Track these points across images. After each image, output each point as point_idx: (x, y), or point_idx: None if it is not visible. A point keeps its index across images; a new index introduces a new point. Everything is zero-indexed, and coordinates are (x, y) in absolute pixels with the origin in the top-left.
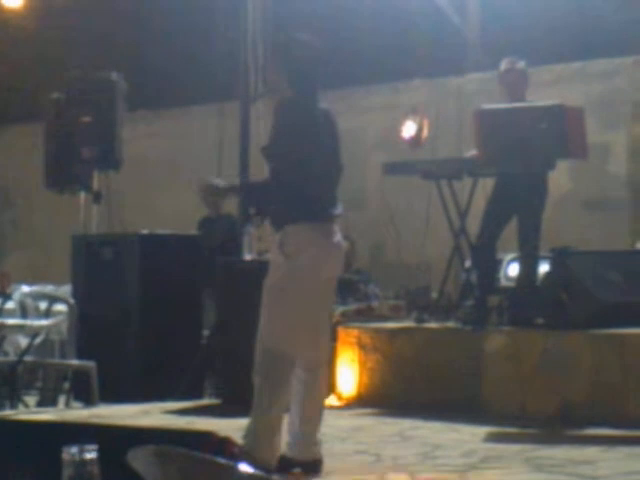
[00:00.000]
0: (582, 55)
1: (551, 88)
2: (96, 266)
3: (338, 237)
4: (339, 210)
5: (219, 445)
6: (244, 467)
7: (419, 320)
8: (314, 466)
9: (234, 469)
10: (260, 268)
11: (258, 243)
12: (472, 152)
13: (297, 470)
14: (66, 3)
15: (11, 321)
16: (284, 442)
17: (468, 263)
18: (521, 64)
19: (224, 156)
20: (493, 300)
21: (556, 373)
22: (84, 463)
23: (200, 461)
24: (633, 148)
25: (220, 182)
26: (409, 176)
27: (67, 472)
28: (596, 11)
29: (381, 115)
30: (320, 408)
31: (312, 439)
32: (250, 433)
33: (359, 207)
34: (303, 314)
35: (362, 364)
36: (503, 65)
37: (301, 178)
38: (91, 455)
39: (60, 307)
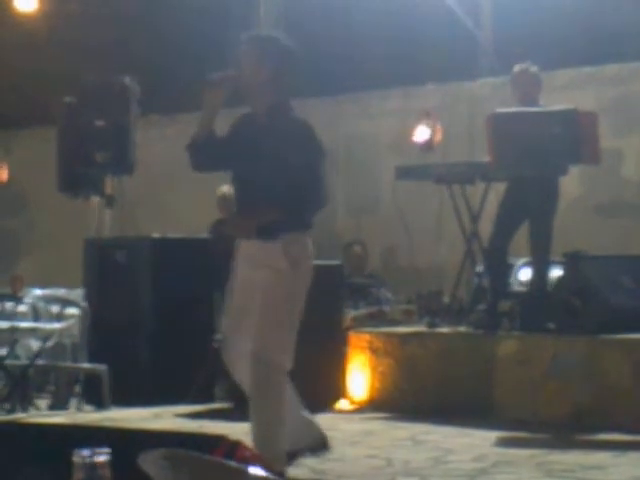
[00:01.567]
0: (595, 60)
1: (564, 93)
2: (108, 270)
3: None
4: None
5: (230, 449)
6: (256, 471)
7: (431, 325)
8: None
9: (245, 473)
10: None
11: None
12: (486, 159)
13: None
14: (80, 7)
15: (23, 324)
16: None
17: (480, 267)
18: (534, 68)
19: None
20: (505, 305)
21: (567, 378)
22: (95, 466)
23: (211, 465)
24: None
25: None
26: (422, 180)
27: (78, 475)
28: (609, 16)
29: (393, 120)
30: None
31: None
32: (272, 446)
33: (371, 211)
34: (295, 325)
35: (373, 368)
36: (516, 69)
37: (304, 186)
38: (102, 458)
39: (72, 310)
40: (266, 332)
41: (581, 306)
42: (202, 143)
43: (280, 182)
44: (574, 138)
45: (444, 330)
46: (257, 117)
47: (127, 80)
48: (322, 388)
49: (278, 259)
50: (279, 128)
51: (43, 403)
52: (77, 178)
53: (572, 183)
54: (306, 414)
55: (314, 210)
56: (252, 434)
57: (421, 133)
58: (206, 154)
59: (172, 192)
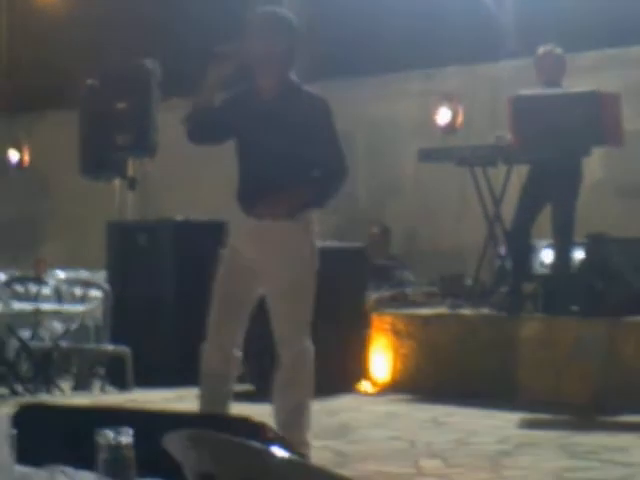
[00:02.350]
0: (619, 41)
1: (588, 75)
2: (131, 252)
3: None
4: None
5: (254, 430)
6: (280, 451)
7: (453, 307)
8: None
9: (270, 453)
10: None
11: None
12: (500, 133)
13: None
14: None
15: (47, 307)
16: None
17: (502, 250)
18: (558, 50)
19: None
20: (527, 287)
21: (590, 360)
22: (119, 447)
23: (235, 445)
24: None
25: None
26: (444, 163)
27: (102, 456)
28: None
29: (415, 102)
30: None
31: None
32: (300, 429)
33: (394, 194)
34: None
35: (396, 350)
36: (540, 50)
37: (331, 160)
38: (126, 439)
39: (95, 293)
40: (295, 318)
41: (603, 288)
42: (201, 114)
43: (306, 156)
44: (596, 120)
45: (466, 312)
46: (264, 92)
47: (148, 63)
48: (345, 370)
49: (301, 243)
50: (297, 103)
51: (66, 385)
52: (99, 161)
53: (595, 165)
54: None
55: (341, 183)
56: (277, 418)
57: (443, 115)
58: (205, 126)
59: (194, 174)
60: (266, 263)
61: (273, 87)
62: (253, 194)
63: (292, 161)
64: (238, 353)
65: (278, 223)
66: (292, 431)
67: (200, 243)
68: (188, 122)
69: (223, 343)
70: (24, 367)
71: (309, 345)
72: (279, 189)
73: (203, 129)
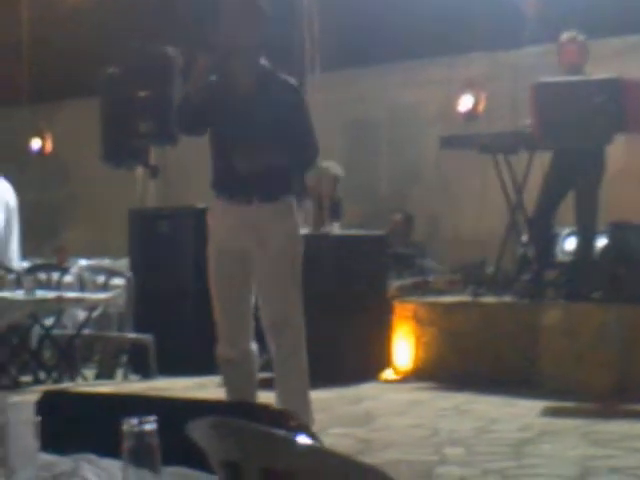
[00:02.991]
0: None
1: (611, 61)
2: (153, 240)
3: None
4: None
5: (276, 418)
6: (303, 439)
7: (475, 294)
8: None
9: (293, 441)
10: (319, 241)
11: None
12: (527, 122)
13: None
14: None
15: (69, 295)
16: None
17: (525, 237)
18: (582, 37)
19: None
20: (550, 274)
21: (613, 347)
22: (144, 435)
23: (259, 433)
24: None
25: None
26: (466, 150)
27: (128, 444)
28: None
29: (438, 89)
30: None
31: None
32: (308, 407)
33: (416, 181)
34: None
35: (418, 338)
36: (564, 37)
37: (305, 146)
38: (151, 427)
39: (118, 281)
40: (291, 299)
41: (626, 275)
42: (189, 104)
43: (284, 143)
44: (618, 107)
45: (488, 300)
46: (240, 81)
47: (170, 50)
48: (367, 358)
49: (288, 224)
50: (272, 89)
51: (90, 373)
52: (121, 149)
53: (617, 152)
54: None
55: (313, 161)
56: (281, 402)
57: (465, 102)
58: (192, 116)
59: None
60: (256, 247)
61: (248, 74)
62: (235, 179)
63: (270, 145)
64: (253, 346)
65: (263, 206)
66: (304, 410)
67: None
68: (178, 113)
69: (235, 341)
70: (47, 355)
71: (302, 325)
72: (259, 173)
73: (191, 118)
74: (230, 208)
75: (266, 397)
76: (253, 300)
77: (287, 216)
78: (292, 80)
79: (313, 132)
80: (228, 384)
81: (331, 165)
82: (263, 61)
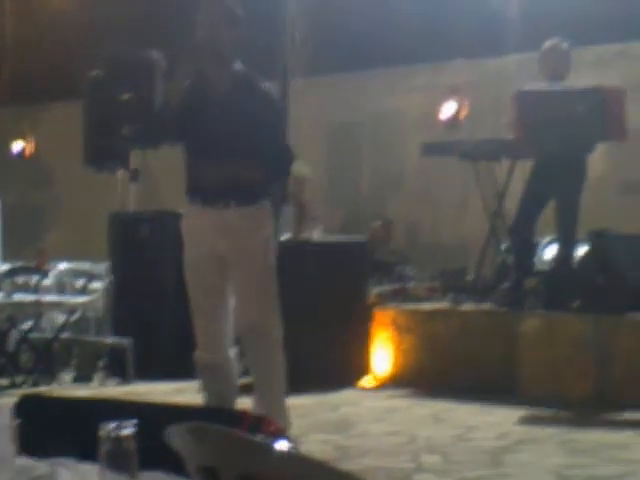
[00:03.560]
0: (624, 37)
1: (592, 69)
2: (132, 244)
3: None
4: None
5: (255, 424)
6: (281, 445)
7: (455, 302)
8: None
9: (270, 447)
10: (300, 248)
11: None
12: (504, 120)
13: None
14: None
15: (48, 298)
16: None
17: (505, 245)
18: (565, 45)
19: None
20: (529, 283)
21: (591, 356)
22: (121, 439)
23: (238, 439)
24: None
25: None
26: (447, 157)
27: (104, 448)
28: None
29: (420, 96)
30: None
31: None
32: (284, 412)
33: (397, 187)
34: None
35: (397, 345)
36: (547, 44)
37: (279, 150)
38: (128, 432)
39: (97, 284)
40: (267, 303)
41: (605, 284)
42: (163, 113)
43: (259, 147)
44: (600, 116)
45: (468, 307)
46: (214, 86)
47: (154, 54)
48: (346, 364)
49: (264, 225)
50: (246, 92)
51: (67, 377)
52: (103, 152)
53: (598, 161)
54: None
55: (286, 172)
56: (258, 407)
57: (447, 109)
58: (166, 124)
59: None
60: (231, 251)
61: (221, 79)
62: (206, 186)
63: (244, 149)
64: (232, 351)
65: (238, 210)
66: (280, 416)
67: None
68: (153, 124)
69: (214, 346)
70: (25, 358)
71: (278, 332)
72: (234, 178)
73: (169, 125)
74: (204, 213)
75: (247, 403)
76: (232, 304)
77: (259, 220)
78: (269, 86)
79: (286, 138)
80: (207, 389)
81: (298, 165)
82: (239, 66)
